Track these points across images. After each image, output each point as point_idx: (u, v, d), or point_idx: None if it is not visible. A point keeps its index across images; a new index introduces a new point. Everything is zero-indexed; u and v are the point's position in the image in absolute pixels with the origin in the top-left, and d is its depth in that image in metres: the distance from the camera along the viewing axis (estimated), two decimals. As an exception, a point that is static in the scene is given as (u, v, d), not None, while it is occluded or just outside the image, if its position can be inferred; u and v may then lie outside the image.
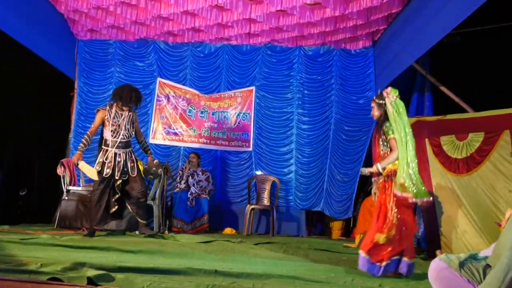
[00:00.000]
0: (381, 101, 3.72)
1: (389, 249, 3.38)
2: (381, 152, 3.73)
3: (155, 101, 7.53)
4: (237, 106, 7.48)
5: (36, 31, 6.37)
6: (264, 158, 7.35)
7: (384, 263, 3.37)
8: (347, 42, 7.36)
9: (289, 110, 7.41)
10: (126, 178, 5.15)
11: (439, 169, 5.16)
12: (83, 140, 5.13)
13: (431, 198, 3.47)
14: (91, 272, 2.51)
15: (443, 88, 5.97)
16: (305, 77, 7.45)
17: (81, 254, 3.46)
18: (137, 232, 5.33)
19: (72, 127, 7.47)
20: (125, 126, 5.14)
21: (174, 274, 2.79)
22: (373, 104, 3.85)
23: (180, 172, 6.75)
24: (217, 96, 7.53)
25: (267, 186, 7.04)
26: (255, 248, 4.67)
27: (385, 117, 3.67)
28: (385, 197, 3.58)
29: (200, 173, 6.72)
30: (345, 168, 7.14)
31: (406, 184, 3.37)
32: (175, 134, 7.46)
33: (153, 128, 7.47)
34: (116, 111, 5.13)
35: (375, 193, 5.30)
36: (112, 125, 5.08)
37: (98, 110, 5.24)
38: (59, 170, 5.89)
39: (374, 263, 3.39)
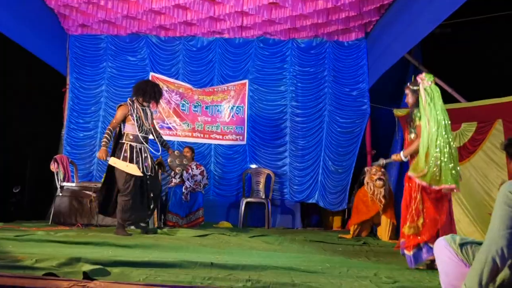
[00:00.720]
0: (415, 87, 3.59)
1: (418, 237, 3.36)
2: (409, 139, 3.67)
3: (148, 95, 7.48)
4: (231, 99, 7.47)
5: (26, 27, 6.30)
6: (258, 151, 7.35)
7: (411, 252, 3.38)
8: (339, 34, 7.36)
9: (283, 103, 7.41)
10: (153, 175, 5.22)
11: (433, 159, 5.19)
12: (105, 135, 5.08)
13: (453, 185, 3.34)
14: (87, 267, 2.51)
15: (436, 79, 5.98)
16: (298, 69, 7.45)
17: (76, 249, 3.45)
18: (132, 227, 5.34)
19: (65, 122, 7.43)
20: (148, 122, 5.20)
21: (170, 267, 2.79)
22: (407, 91, 3.73)
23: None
24: (210, 90, 7.51)
25: (262, 179, 7.06)
26: (251, 241, 4.68)
27: (417, 103, 3.56)
28: (410, 186, 3.52)
29: (195, 167, 6.71)
30: (340, 159, 7.16)
31: (428, 172, 3.32)
32: (169, 128, 7.44)
33: (146, 123, 7.44)
34: (137, 106, 5.15)
35: (367, 183, 5.35)
36: (137, 120, 5.09)
37: (120, 105, 5.21)
38: (52, 167, 5.87)
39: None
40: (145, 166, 5.09)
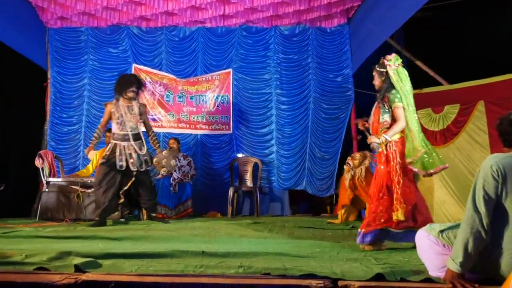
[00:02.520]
0: (382, 69, 3.58)
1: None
2: (382, 121, 3.54)
3: (131, 87, 7.41)
4: (215, 89, 7.44)
5: (4, 21, 6.17)
6: (245, 140, 7.36)
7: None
8: (322, 20, 7.36)
9: (268, 91, 7.41)
10: (143, 170, 5.29)
11: (417, 142, 5.26)
12: (94, 134, 5.36)
13: (447, 165, 3.49)
14: (78, 260, 2.51)
15: (418, 63, 6.04)
16: (282, 57, 7.44)
17: (66, 244, 3.44)
18: (123, 220, 5.39)
19: (48, 117, 7.33)
20: (131, 119, 5.22)
21: (162, 258, 2.80)
22: (374, 73, 3.68)
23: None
24: (194, 80, 7.47)
25: (249, 168, 7.07)
26: (240, 229, 4.70)
27: (389, 85, 3.51)
28: (389, 170, 3.46)
29: (182, 158, 6.69)
30: (326, 146, 7.21)
31: (424, 154, 3.42)
32: (154, 120, 7.37)
33: (131, 115, 7.37)
34: (123, 104, 5.23)
35: (348, 163, 5.34)
36: (119, 118, 5.19)
37: (106, 104, 5.35)
38: (37, 162, 5.80)
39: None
40: (130, 162, 5.14)
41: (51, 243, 3.52)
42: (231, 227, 4.84)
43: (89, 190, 5.76)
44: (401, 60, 3.52)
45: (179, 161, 6.63)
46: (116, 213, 5.49)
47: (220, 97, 7.43)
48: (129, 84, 5.23)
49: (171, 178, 6.41)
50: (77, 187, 5.77)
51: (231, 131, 7.36)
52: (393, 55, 3.55)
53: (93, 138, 5.32)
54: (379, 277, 2.35)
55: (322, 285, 2.17)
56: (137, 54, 7.48)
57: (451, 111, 5.02)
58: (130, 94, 5.24)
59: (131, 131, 5.22)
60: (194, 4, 6.80)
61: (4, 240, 3.65)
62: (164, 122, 7.40)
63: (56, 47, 7.44)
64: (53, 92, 7.39)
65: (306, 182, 7.22)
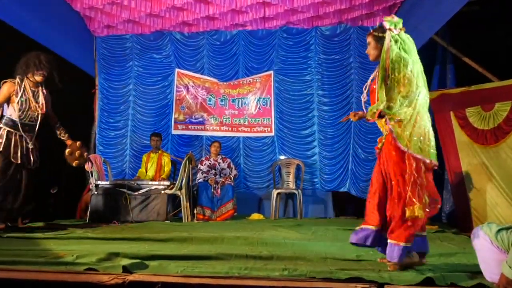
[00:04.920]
0: (380, 34, 2.78)
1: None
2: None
3: (174, 92, 7.58)
4: (257, 91, 7.47)
5: (55, 31, 6.46)
6: (286, 142, 7.33)
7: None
8: (364, 19, 7.24)
9: (309, 92, 7.36)
10: (34, 168, 4.63)
11: (466, 142, 5.08)
12: None
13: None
14: (125, 261, 2.58)
15: (466, 59, 5.82)
16: (323, 57, 7.36)
17: (114, 245, 3.54)
18: (168, 222, 5.47)
19: (96, 123, 7.60)
20: (35, 106, 4.55)
21: (206, 260, 2.84)
22: (369, 39, 2.91)
23: (204, 160, 6.82)
24: (236, 83, 7.53)
25: (292, 170, 7.04)
26: (284, 232, 4.68)
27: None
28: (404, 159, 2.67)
29: (221, 161, 6.77)
30: (370, 146, 7.06)
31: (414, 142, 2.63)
32: (197, 123, 7.50)
33: (174, 119, 7.53)
34: (29, 87, 4.53)
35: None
36: (22, 103, 4.46)
37: (5, 82, 4.52)
38: (87, 166, 6.00)
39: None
40: (29, 158, 4.55)
41: (100, 244, 3.63)
42: (274, 229, 4.84)
43: (136, 193, 5.93)
44: (401, 24, 2.75)
45: (219, 164, 6.71)
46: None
47: (262, 99, 7.44)
48: (39, 64, 4.51)
49: (214, 181, 6.47)
50: (124, 190, 5.94)
51: (273, 133, 7.36)
52: (393, 15, 2.79)
53: None
54: (428, 281, 2.28)
55: (368, 289, 2.12)
56: (179, 59, 7.63)
57: (502, 108, 4.79)
58: (38, 78, 4.56)
59: (31, 121, 4.55)
60: (235, 8, 6.86)
61: (57, 241, 3.79)
62: (207, 126, 7.50)
63: (103, 54, 7.70)
64: (101, 98, 7.66)
65: (349, 183, 7.11)
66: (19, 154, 4.45)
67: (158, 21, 7.39)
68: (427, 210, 2.60)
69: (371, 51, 2.91)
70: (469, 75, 5.66)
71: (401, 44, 2.70)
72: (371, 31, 2.92)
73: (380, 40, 2.79)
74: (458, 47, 6.03)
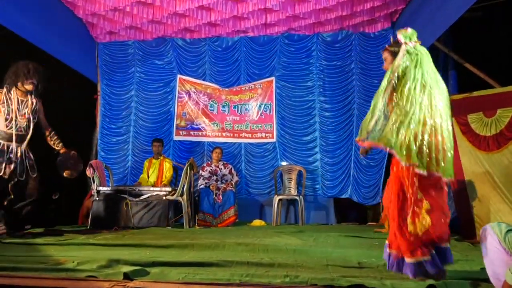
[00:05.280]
0: (397, 49, 2.74)
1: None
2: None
3: (176, 98, 7.60)
4: (258, 97, 7.48)
5: (57, 37, 6.50)
6: (288, 148, 7.33)
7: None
8: (365, 25, 7.26)
9: (311, 98, 7.36)
10: (24, 179, 4.47)
11: (468, 148, 5.06)
12: None
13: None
14: (126, 268, 2.57)
15: (467, 65, 5.82)
16: (325, 64, 7.38)
17: (115, 251, 3.53)
18: (169, 228, 5.43)
19: (98, 128, 7.62)
20: (23, 115, 4.47)
21: (207, 266, 2.83)
22: (385, 55, 2.87)
23: (206, 166, 6.83)
24: (237, 89, 7.54)
25: (293, 176, 7.03)
26: (285, 238, 4.67)
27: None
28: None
29: (222, 167, 6.77)
30: (372, 153, 6.98)
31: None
32: (198, 129, 7.51)
33: (176, 125, 7.54)
34: (16, 96, 4.45)
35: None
36: (8, 113, 4.39)
37: None
38: (88, 172, 6.01)
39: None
40: (16, 168, 4.40)
41: (101, 250, 3.62)
42: (276, 236, 4.82)
43: (137, 199, 5.92)
44: (416, 36, 2.71)
45: (220, 171, 6.70)
46: None
47: (263, 105, 7.45)
48: (28, 73, 4.44)
49: (215, 188, 6.47)
50: (126, 196, 5.94)
51: (274, 139, 7.36)
52: (409, 29, 2.73)
53: None
54: (431, 289, 2.26)
55: (370, 297, 2.11)
56: (181, 65, 7.65)
57: (504, 114, 4.77)
58: (28, 87, 4.49)
59: (18, 131, 4.44)
60: (236, 14, 6.88)
61: (58, 247, 3.78)
62: (209, 131, 7.50)
63: (105, 60, 7.73)
64: (103, 104, 7.68)
65: (351, 190, 7.10)
66: (4, 165, 4.33)
67: (160, 28, 7.42)
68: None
69: (388, 67, 2.78)
70: (471, 81, 5.66)
71: (415, 56, 2.64)
72: (387, 46, 2.88)
73: (396, 55, 2.71)
74: (460, 53, 6.03)
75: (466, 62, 5.87)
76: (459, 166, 5.17)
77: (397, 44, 2.74)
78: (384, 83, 2.66)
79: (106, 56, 7.74)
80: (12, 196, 4.41)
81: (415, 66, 2.60)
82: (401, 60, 2.62)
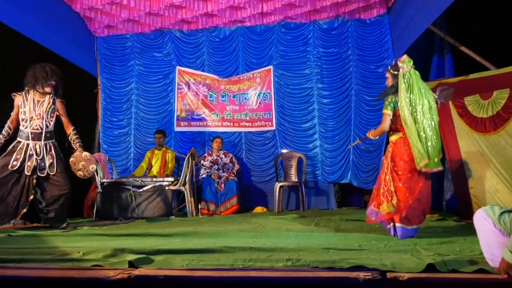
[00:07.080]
0: (395, 72, 3.76)
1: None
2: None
3: (176, 89, 7.64)
4: (257, 86, 7.52)
5: (56, 33, 6.51)
6: (288, 136, 7.39)
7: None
8: (361, 12, 7.26)
9: (309, 86, 7.40)
10: (45, 175, 4.59)
11: (465, 130, 5.12)
12: (3, 131, 4.65)
13: (440, 168, 3.62)
14: (131, 257, 2.63)
15: (463, 48, 5.84)
16: (322, 51, 7.40)
17: (120, 241, 3.60)
18: (173, 217, 5.50)
19: (100, 122, 7.68)
20: (40, 115, 4.61)
21: (211, 253, 2.89)
22: (387, 75, 3.90)
23: (207, 156, 6.90)
24: (236, 78, 7.58)
25: (294, 163, 7.10)
26: (287, 224, 4.75)
27: (394, 90, 3.74)
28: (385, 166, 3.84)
29: (223, 156, 6.84)
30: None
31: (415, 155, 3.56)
32: (199, 120, 7.57)
33: (176, 116, 7.60)
34: (33, 97, 4.63)
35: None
36: (24, 113, 4.58)
37: (14, 96, 4.68)
38: (92, 165, 6.06)
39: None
40: (27, 165, 4.50)
41: (106, 240, 3.70)
42: (278, 222, 4.90)
43: (140, 190, 6.00)
44: (412, 62, 3.68)
45: (221, 159, 6.77)
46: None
47: (262, 94, 7.50)
48: (47, 77, 4.61)
49: (217, 176, 6.54)
50: (129, 187, 6.02)
51: (274, 127, 7.41)
52: (405, 56, 3.72)
53: (0, 136, 4.60)
54: (430, 268, 2.32)
55: (370, 277, 2.16)
56: (180, 57, 7.68)
57: (501, 96, 4.81)
58: (48, 89, 4.67)
59: (36, 129, 4.58)
60: (233, 4, 6.90)
61: (64, 238, 3.86)
62: (209, 122, 7.56)
63: (104, 54, 7.77)
64: (103, 98, 7.73)
65: (351, 175, 7.17)
66: (20, 161, 4.49)
67: (157, 20, 7.44)
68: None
69: (388, 84, 3.87)
70: (467, 64, 5.68)
71: (408, 77, 3.64)
72: (388, 68, 3.91)
73: (395, 77, 3.77)
74: (455, 37, 6.05)
75: (462, 45, 5.89)
76: (456, 148, 5.24)
77: (396, 67, 3.75)
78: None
79: (105, 50, 7.77)
80: (34, 192, 4.60)
81: (407, 89, 3.61)
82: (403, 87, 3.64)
